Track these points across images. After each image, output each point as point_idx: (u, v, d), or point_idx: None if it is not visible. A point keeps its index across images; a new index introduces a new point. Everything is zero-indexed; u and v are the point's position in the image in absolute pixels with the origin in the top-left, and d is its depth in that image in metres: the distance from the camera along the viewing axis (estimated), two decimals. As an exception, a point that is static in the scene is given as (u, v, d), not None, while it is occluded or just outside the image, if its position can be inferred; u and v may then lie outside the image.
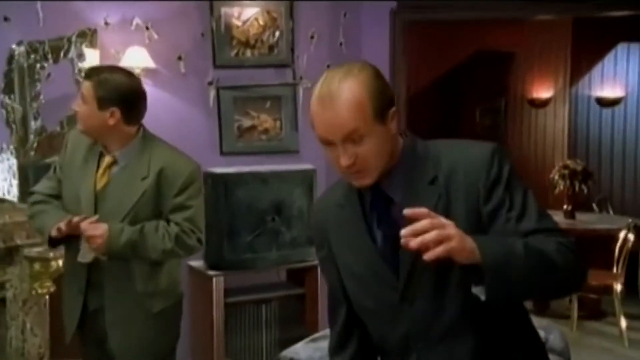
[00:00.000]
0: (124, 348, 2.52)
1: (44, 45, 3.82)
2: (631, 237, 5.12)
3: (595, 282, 4.92)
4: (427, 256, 1.28)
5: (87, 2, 3.89)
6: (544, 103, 7.42)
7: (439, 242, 1.28)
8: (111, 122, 2.43)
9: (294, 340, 2.92)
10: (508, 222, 1.45)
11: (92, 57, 3.82)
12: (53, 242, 2.53)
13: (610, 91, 7.08)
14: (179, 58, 4.09)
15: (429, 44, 6.62)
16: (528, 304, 1.85)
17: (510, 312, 1.54)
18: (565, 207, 5.78)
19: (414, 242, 1.28)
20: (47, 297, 3.50)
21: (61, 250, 2.73)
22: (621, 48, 7.04)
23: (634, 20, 6.42)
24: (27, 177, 3.74)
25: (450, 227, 1.30)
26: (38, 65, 3.84)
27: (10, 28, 3.76)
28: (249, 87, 4.27)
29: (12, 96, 3.84)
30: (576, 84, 7.22)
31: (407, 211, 1.31)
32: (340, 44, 4.41)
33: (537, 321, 1.66)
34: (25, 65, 3.83)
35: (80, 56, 3.86)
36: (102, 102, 2.41)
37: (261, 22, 4.27)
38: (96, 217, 2.42)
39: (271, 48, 4.30)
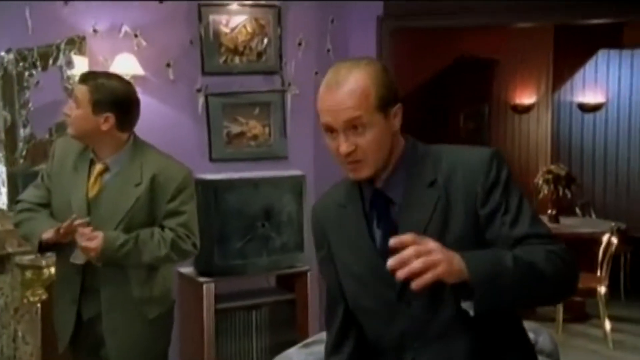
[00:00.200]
0: (121, 354, 2.51)
1: (33, 53, 3.82)
2: (614, 240, 5.19)
3: (579, 285, 4.95)
4: (415, 285, 1.30)
5: (76, 9, 3.89)
6: (526, 109, 7.51)
7: (425, 270, 1.29)
8: (104, 127, 2.43)
9: (285, 346, 2.91)
10: (503, 226, 1.48)
11: (80, 65, 3.81)
12: (42, 248, 2.51)
13: (591, 97, 7.18)
14: (168, 65, 4.09)
15: (415, 51, 6.67)
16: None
17: (504, 313, 1.57)
18: (549, 211, 5.84)
19: (401, 273, 1.29)
20: (39, 304, 3.48)
21: (52, 257, 2.72)
22: (602, 55, 7.14)
23: (614, 27, 6.56)
24: (16, 184, 3.73)
25: (436, 253, 1.32)
26: (27, 73, 3.84)
27: (-2, 35, 3.76)
28: (238, 94, 4.28)
29: (1, 104, 3.83)
30: (558, 90, 7.32)
31: (392, 241, 1.33)
32: (328, 50, 4.43)
33: (526, 324, 1.69)
34: (14, 72, 3.83)
35: (69, 63, 3.85)
36: (97, 107, 2.41)
37: (249, 29, 4.29)
38: (87, 219, 2.40)
39: (259, 55, 4.32)
